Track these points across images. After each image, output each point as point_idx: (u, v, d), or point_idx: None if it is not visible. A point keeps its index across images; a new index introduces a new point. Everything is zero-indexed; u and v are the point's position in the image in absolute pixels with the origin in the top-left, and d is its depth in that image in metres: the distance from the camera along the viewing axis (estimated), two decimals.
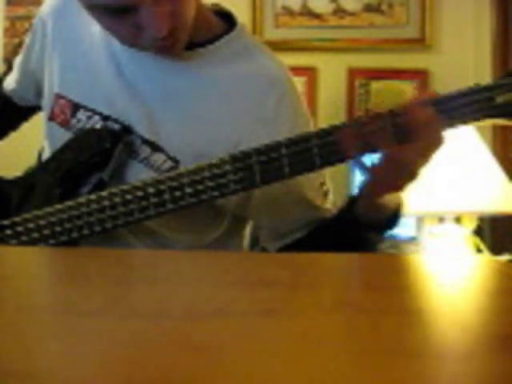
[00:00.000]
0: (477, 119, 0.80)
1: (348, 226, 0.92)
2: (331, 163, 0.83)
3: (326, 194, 0.97)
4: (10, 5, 2.68)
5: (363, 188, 0.86)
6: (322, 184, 0.95)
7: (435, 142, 0.78)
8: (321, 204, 0.96)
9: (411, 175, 0.80)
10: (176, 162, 0.92)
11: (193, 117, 0.93)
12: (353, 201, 0.90)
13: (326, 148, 0.81)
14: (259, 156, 0.83)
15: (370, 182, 0.84)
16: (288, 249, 0.97)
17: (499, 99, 0.79)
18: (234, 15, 1.00)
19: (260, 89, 0.94)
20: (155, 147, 0.93)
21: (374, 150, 0.80)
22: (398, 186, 0.83)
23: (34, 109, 1.19)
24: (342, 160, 0.82)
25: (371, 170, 0.81)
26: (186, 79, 0.94)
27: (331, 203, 0.97)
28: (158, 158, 0.93)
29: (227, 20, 1.00)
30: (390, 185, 0.83)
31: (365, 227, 0.90)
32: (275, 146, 0.82)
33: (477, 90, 0.80)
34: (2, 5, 2.69)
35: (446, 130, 0.81)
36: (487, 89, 0.79)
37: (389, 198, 0.87)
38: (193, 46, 0.94)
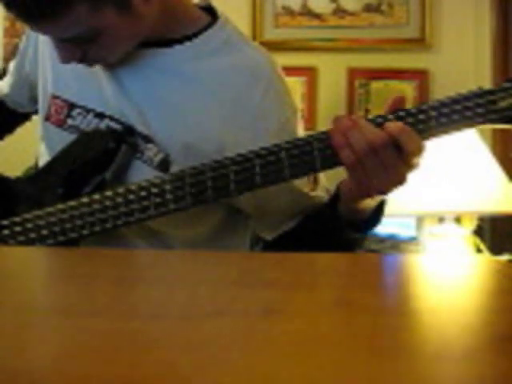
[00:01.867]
0: (478, 123, 0.79)
1: (329, 223, 0.92)
2: (331, 166, 0.83)
3: (315, 181, 0.97)
4: None
5: (345, 189, 0.86)
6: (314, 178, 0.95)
7: (414, 151, 0.78)
8: (310, 192, 0.96)
9: (397, 180, 0.80)
10: (167, 154, 0.93)
11: (179, 111, 0.94)
12: (335, 199, 0.90)
13: (326, 151, 0.81)
14: (261, 159, 0.83)
15: (354, 185, 0.83)
16: (285, 238, 0.97)
17: (502, 103, 0.78)
18: (216, 8, 1.01)
19: (246, 80, 0.94)
20: (148, 140, 0.94)
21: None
22: (383, 190, 0.82)
23: (27, 115, 1.19)
24: (341, 163, 0.82)
25: (356, 172, 0.80)
26: (171, 74, 0.95)
27: (323, 189, 0.97)
28: (151, 150, 0.93)
29: (211, 14, 1.00)
30: (374, 188, 0.82)
31: (345, 226, 0.89)
32: (276, 150, 0.83)
33: (479, 94, 0.79)
34: (2, 5, 2.69)
35: (450, 134, 0.80)
36: (489, 93, 0.78)
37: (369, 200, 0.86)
38: (177, 40, 0.95)
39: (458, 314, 0.40)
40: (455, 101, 0.79)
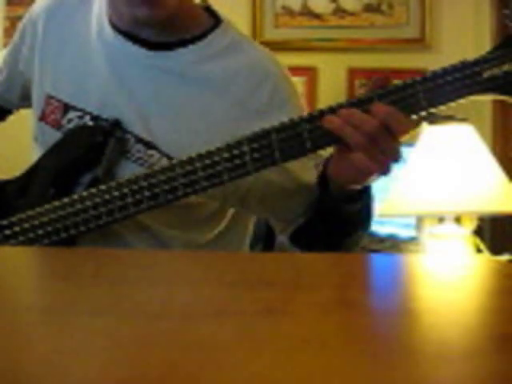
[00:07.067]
0: (465, 95, 0.79)
1: (325, 201, 0.90)
2: (322, 147, 0.82)
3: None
4: (10, 5, 2.68)
5: (335, 174, 0.84)
6: (318, 165, 0.95)
7: (404, 131, 0.78)
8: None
9: (394, 158, 0.79)
10: (171, 159, 0.92)
11: (186, 116, 0.93)
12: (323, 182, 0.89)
13: (315, 132, 0.80)
14: (250, 143, 0.82)
15: (351, 169, 0.81)
16: (303, 230, 0.96)
17: (486, 74, 0.78)
18: (218, 11, 1.00)
19: (252, 82, 0.94)
20: (149, 146, 0.93)
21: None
22: (384, 171, 0.81)
23: (10, 111, 1.18)
24: (329, 144, 0.81)
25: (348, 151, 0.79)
26: (177, 78, 0.94)
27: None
28: (152, 155, 0.93)
29: (213, 15, 1.00)
30: (376, 170, 0.80)
31: (339, 200, 0.88)
32: (265, 133, 0.81)
33: (463, 66, 0.79)
34: (2, 5, 2.69)
35: (438, 109, 0.80)
36: (473, 64, 0.79)
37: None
38: (183, 43, 0.95)
39: (458, 314, 0.40)
40: (439, 75, 0.79)
